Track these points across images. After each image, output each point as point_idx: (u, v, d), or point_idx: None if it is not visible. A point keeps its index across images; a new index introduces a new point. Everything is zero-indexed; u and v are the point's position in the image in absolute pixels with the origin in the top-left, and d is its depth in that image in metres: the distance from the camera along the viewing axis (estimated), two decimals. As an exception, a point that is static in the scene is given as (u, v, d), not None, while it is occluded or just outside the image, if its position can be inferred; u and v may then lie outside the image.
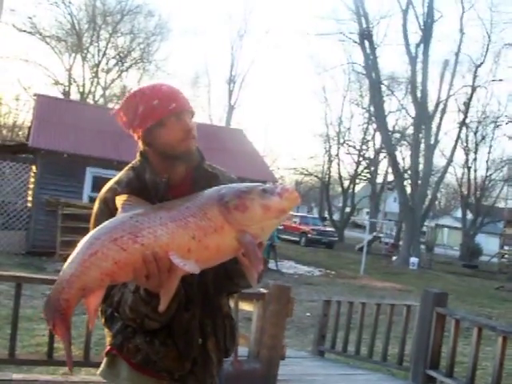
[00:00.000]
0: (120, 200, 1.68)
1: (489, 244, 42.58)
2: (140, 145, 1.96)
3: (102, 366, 2.00)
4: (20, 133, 35.14)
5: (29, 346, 6.36)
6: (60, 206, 15.03)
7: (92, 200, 15.47)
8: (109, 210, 1.80)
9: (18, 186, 15.92)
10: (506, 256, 33.01)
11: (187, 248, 1.55)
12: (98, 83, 38.28)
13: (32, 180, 15.97)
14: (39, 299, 9.01)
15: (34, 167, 15.95)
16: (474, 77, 34.22)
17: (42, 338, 6.34)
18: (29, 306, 8.29)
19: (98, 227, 1.63)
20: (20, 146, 18.14)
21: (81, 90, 37.08)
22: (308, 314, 10.38)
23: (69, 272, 1.57)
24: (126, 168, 1.99)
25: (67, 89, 36.80)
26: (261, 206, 1.58)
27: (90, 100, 36.07)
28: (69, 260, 1.59)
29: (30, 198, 16.01)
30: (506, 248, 33.79)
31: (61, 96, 33.40)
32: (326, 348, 7.65)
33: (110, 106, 36.28)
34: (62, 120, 16.93)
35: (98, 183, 15.53)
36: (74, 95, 36.69)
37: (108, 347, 1.96)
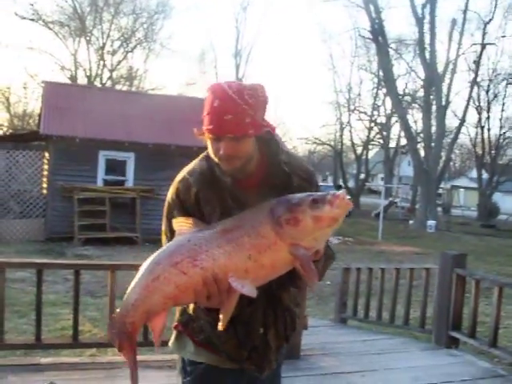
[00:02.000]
0: (177, 222, 1.76)
1: (506, 202, 42.34)
2: None
3: (172, 338, 2.09)
4: (30, 121, 35.21)
5: (54, 330, 6.47)
6: (75, 191, 15.14)
7: (106, 183, 15.56)
8: (179, 201, 1.88)
9: (33, 174, 16.02)
10: (524, 213, 32.85)
11: (244, 268, 1.59)
12: (104, 66, 38.17)
13: (46, 167, 16.05)
14: (61, 284, 9.14)
15: (46, 154, 16.02)
16: (484, 34, 33.81)
17: (66, 321, 6.44)
18: (52, 292, 8.41)
19: (157, 252, 1.70)
20: (32, 134, 18.22)
21: (87, 73, 37.03)
22: (328, 283, 10.41)
23: (133, 297, 1.66)
24: (201, 156, 1.97)
25: (74, 73, 36.78)
26: (312, 218, 1.57)
27: (97, 83, 36.03)
28: (132, 284, 1.68)
29: (45, 185, 16.11)
30: (523, 205, 33.61)
31: (68, 81, 33.40)
32: (347, 315, 7.70)
33: (118, 87, 36.25)
34: (71, 105, 16.93)
35: (111, 166, 15.62)
36: (81, 79, 36.66)
37: (175, 323, 2.06)
